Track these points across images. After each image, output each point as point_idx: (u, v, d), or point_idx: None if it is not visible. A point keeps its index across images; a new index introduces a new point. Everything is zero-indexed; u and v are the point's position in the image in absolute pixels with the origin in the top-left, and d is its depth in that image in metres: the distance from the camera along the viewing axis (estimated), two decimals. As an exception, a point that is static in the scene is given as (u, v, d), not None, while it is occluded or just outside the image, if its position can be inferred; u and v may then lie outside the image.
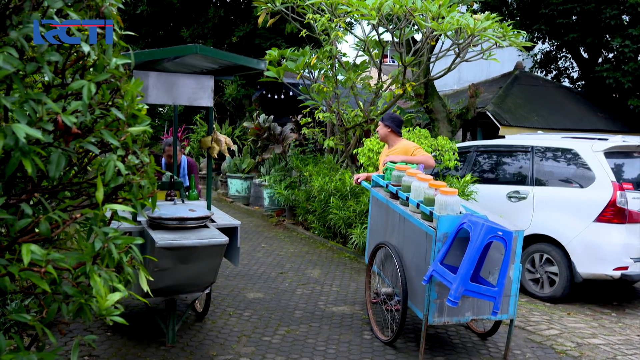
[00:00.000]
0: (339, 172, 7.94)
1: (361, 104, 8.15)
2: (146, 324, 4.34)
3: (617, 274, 5.42)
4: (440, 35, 6.66)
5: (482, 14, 6.77)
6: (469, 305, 3.71)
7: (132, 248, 1.93)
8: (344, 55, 8.38)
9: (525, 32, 10.36)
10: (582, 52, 13.33)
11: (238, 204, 11.01)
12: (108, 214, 1.97)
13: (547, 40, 13.23)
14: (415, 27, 7.96)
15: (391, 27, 7.10)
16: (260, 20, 7.99)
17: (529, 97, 12.29)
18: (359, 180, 5.11)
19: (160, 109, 16.70)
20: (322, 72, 8.09)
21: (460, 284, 3.32)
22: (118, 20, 2.02)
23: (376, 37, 7.65)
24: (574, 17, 12.05)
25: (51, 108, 1.61)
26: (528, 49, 11.02)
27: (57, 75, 1.92)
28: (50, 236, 1.71)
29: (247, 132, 11.72)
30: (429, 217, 3.77)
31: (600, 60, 12.90)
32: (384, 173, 4.67)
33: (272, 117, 11.06)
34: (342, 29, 8.71)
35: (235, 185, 11.27)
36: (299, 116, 10.60)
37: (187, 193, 4.60)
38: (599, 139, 6.10)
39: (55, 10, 1.84)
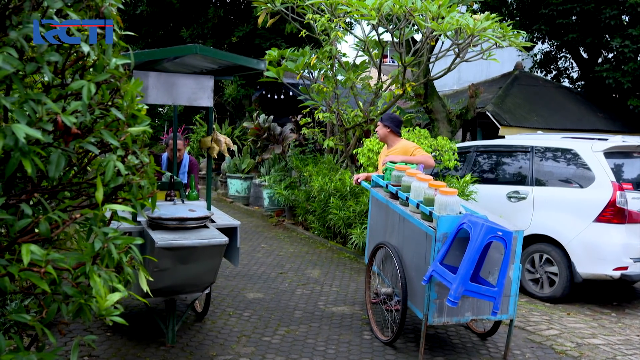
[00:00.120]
0: (339, 172, 7.94)
1: (361, 104, 8.15)
2: (146, 324, 4.34)
3: (617, 274, 5.42)
4: (440, 35, 6.66)
5: (481, 14, 6.78)
6: (469, 305, 3.71)
7: (132, 248, 1.93)
8: (344, 55, 8.39)
9: (525, 32, 10.37)
10: (582, 52, 13.34)
11: (238, 204, 11.01)
12: (108, 214, 1.97)
13: (546, 40, 13.24)
14: (415, 27, 7.97)
15: (391, 27, 7.10)
16: (260, 21, 7.99)
17: (529, 97, 12.29)
18: (358, 181, 5.11)
19: (160, 109, 16.71)
20: (322, 72, 8.09)
21: (460, 284, 3.32)
22: (118, 20, 2.02)
23: (376, 37, 7.65)
24: (573, 17, 12.06)
25: (51, 108, 1.61)
26: (528, 49, 11.02)
27: (57, 75, 1.92)
28: (50, 236, 1.71)
29: (246, 132, 11.72)
30: (428, 217, 3.77)
31: (600, 60, 12.91)
32: (383, 173, 4.67)
33: (271, 117, 11.07)
34: (341, 29, 8.71)
35: (235, 186, 11.27)
36: (299, 116, 10.60)
37: (186, 193, 4.60)
38: (599, 139, 6.10)
39: (55, 10, 1.84)
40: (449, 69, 7.37)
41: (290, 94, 12.17)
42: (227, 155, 4.51)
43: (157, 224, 3.61)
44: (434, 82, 9.77)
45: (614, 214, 5.43)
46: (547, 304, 5.73)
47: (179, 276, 3.58)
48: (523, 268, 5.95)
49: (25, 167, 1.51)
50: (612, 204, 5.43)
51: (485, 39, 6.45)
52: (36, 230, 1.71)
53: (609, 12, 11.07)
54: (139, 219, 3.75)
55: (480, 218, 3.51)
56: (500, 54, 7.90)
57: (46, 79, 1.90)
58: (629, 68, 10.96)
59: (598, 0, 11.23)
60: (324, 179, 7.77)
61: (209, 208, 4.22)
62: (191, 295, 3.95)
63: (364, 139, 7.62)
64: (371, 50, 7.85)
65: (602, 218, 5.48)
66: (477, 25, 6.05)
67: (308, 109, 8.82)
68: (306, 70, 7.94)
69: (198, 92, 3.94)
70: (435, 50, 8.21)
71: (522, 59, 14.63)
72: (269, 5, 7.63)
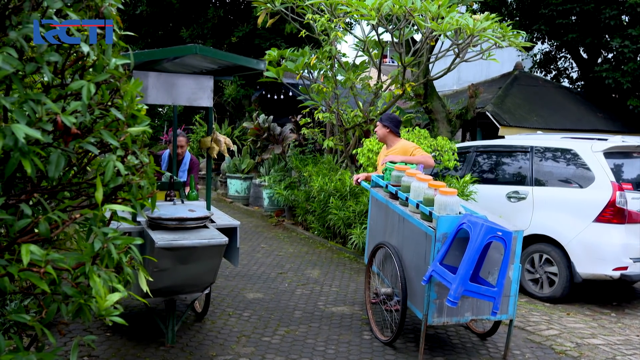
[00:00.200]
0: (339, 173, 7.94)
1: (361, 104, 8.15)
2: (146, 324, 4.34)
3: (617, 274, 5.42)
4: (439, 35, 6.66)
5: (481, 14, 6.78)
6: (469, 305, 3.71)
7: (132, 248, 1.93)
8: (344, 55, 8.39)
9: (524, 33, 10.38)
10: (582, 53, 13.34)
11: (237, 204, 11.01)
12: (107, 214, 1.97)
13: (546, 40, 13.24)
14: (415, 27, 7.97)
15: (391, 27, 7.10)
16: (259, 21, 7.99)
17: (529, 97, 12.30)
18: (358, 181, 5.11)
19: (160, 109, 16.71)
20: (322, 72, 8.09)
21: (460, 284, 3.32)
22: (117, 20, 2.02)
23: (376, 38, 7.65)
24: (573, 18, 12.06)
25: (50, 108, 1.61)
26: (527, 49, 11.03)
27: (57, 75, 1.91)
28: (50, 236, 1.71)
29: (246, 133, 11.72)
30: (428, 217, 3.77)
31: (599, 60, 12.91)
32: (383, 173, 4.67)
33: (271, 117, 11.07)
34: (341, 29, 8.71)
35: (235, 186, 11.27)
36: (299, 116, 10.60)
37: (186, 193, 4.59)
38: (599, 139, 6.10)
39: (54, 10, 1.84)
40: (448, 69, 7.38)
41: (290, 94, 12.17)
42: (226, 155, 4.51)
43: (157, 224, 3.61)
44: (434, 82, 9.77)
45: (613, 214, 5.43)
46: (546, 304, 5.73)
47: (179, 276, 3.58)
48: (523, 268, 5.95)
49: (25, 167, 1.51)
50: (611, 204, 5.43)
51: (485, 39, 6.45)
52: (36, 231, 1.71)
53: (608, 12, 11.07)
54: (138, 219, 3.74)
55: (479, 218, 3.51)
56: (500, 54, 7.90)
57: (46, 79, 1.90)
58: (628, 68, 10.96)
59: (598, 1, 11.24)
60: (324, 179, 7.77)
61: (208, 208, 4.22)
62: (191, 295, 3.95)
63: (363, 139, 7.62)
64: (371, 50, 7.85)
65: (601, 218, 5.48)
66: (476, 26, 6.05)
67: (308, 109, 8.82)
68: (306, 71, 7.94)
69: (198, 92, 3.94)
70: (435, 51, 8.21)
71: (522, 59, 14.63)
72: (268, 5, 7.63)
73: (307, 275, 6.09)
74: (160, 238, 3.39)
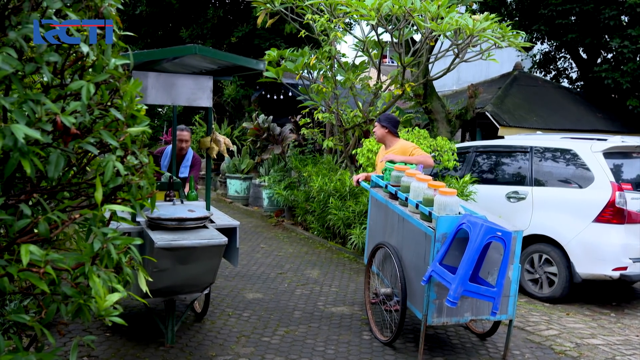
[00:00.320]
0: (338, 173, 7.94)
1: (360, 104, 8.15)
2: (145, 324, 4.34)
3: (616, 274, 5.42)
4: (439, 35, 6.66)
5: (481, 14, 6.78)
6: (468, 305, 3.71)
7: (131, 248, 1.93)
8: (343, 55, 8.39)
9: (524, 33, 10.39)
10: (581, 53, 13.35)
11: (237, 204, 11.00)
12: (107, 215, 1.97)
13: (546, 40, 13.25)
14: (415, 27, 7.97)
15: (390, 27, 7.10)
16: (259, 21, 7.99)
17: (528, 97, 12.31)
18: (358, 182, 5.12)
19: (160, 110, 16.71)
20: (321, 72, 8.09)
21: (459, 284, 3.32)
22: (117, 20, 2.02)
23: (375, 38, 7.65)
24: (573, 18, 12.07)
25: (50, 108, 1.61)
26: (527, 49, 11.03)
27: (56, 75, 1.91)
28: (49, 237, 1.71)
29: (246, 133, 11.72)
30: (428, 217, 3.77)
31: (599, 60, 12.92)
32: (382, 173, 4.67)
33: (271, 117, 11.07)
34: (341, 29, 8.71)
35: (235, 186, 11.27)
36: (298, 117, 10.60)
37: (186, 193, 4.59)
38: (598, 139, 6.11)
39: (54, 10, 1.84)
40: (448, 70, 7.38)
41: (290, 94, 12.18)
42: (226, 155, 4.51)
43: (157, 224, 3.60)
44: (434, 82, 9.77)
45: (613, 214, 5.44)
46: (546, 304, 5.73)
47: (178, 276, 3.58)
48: (522, 268, 5.95)
49: (25, 168, 1.51)
50: (611, 204, 5.43)
51: (485, 40, 6.45)
52: (35, 231, 1.71)
53: (608, 12, 11.08)
54: (138, 219, 3.74)
55: (479, 218, 3.52)
56: (500, 54, 7.91)
57: (45, 79, 1.90)
58: (628, 68, 10.97)
59: (597, 1, 11.24)
60: (324, 179, 7.77)
61: (208, 208, 4.22)
62: (190, 295, 3.95)
63: (363, 139, 7.62)
64: (370, 50, 7.85)
65: (601, 218, 5.48)
66: (476, 26, 6.05)
67: (307, 109, 8.82)
68: (305, 71, 7.94)
69: (197, 92, 3.94)
70: (435, 51, 8.21)
71: (522, 60, 14.64)
72: (268, 5, 7.63)
73: (306, 275, 6.09)
74: (160, 238, 3.39)
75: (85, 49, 1.78)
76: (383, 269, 4.43)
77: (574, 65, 14.22)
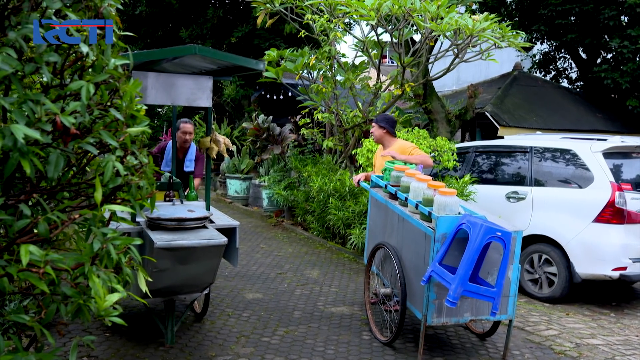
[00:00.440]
0: (338, 173, 7.94)
1: (360, 104, 8.16)
2: (145, 324, 4.34)
3: (616, 274, 5.42)
4: (439, 35, 6.67)
5: (480, 14, 6.78)
6: (468, 305, 3.71)
7: (131, 249, 1.93)
8: (343, 55, 8.39)
9: (524, 33, 10.39)
10: (581, 53, 13.35)
11: (237, 204, 11.00)
12: (107, 215, 1.97)
13: (545, 40, 13.25)
14: (414, 27, 7.97)
15: (390, 27, 7.11)
16: (259, 21, 7.99)
17: (528, 97, 12.31)
18: (358, 182, 5.13)
19: (159, 110, 16.71)
20: (321, 72, 8.09)
21: (459, 284, 3.32)
22: (117, 20, 2.02)
23: (375, 38, 7.65)
24: (572, 18, 12.07)
25: (50, 109, 1.61)
26: (527, 49, 11.03)
27: (56, 75, 1.91)
28: (49, 237, 1.71)
29: (246, 133, 11.72)
30: (427, 217, 3.77)
31: (598, 60, 12.92)
32: (382, 173, 4.67)
33: (271, 117, 11.07)
34: (340, 29, 8.71)
35: (234, 186, 11.27)
36: (298, 117, 10.60)
37: (185, 193, 4.58)
38: (598, 139, 6.11)
39: (53, 10, 1.84)
40: (448, 70, 7.38)
41: (290, 94, 12.18)
42: (226, 155, 4.50)
43: (156, 224, 3.60)
44: (433, 82, 9.77)
45: (612, 214, 5.44)
46: (546, 304, 5.73)
47: (178, 277, 3.58)
48: (522, 268, 5.95)
49: (24, 168, 1.51)
50: (611, 204, 5.43)
51: (484, 40, 6.46)
52: (35, 231, 1.71)
53: (607, 12, 11.08)
54: (138, 219, 3.74)
55: (479, 218, 3.52)
56: (499, 54, 7.91)
57: (45, 79, 1.90)
58: (627, 68, 10.97)
59: (597, 1, 11.24)
60: (323, 179, 7.77)
61: (208, 208, 4.22)
62: (190, 295, 3.95)
63: (363, 140, 7.62)
64: (370, 50, 7.85)
65: (601, 218, 5.49)
66: (476, 26, 6.05)
67: (307, 110, 8.82)
68: (305, 71, 7.94)
69: (197, 92, 3.94)
70: (435, 51, 8.22)
71: (521, 60, 14.65)
72: (268, 5, 7.63)
73: (306, 275, 6.09)
74: (160, 238, 3.39)
75: (85, 49, 1.77)
76: (383, 269, 4.43)
77: (573, 65, 14.23)
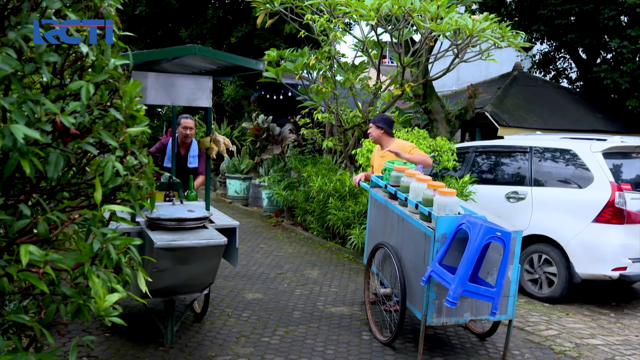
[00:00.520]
0: (338, 173, 7.94)
1: (360, 104, 8.16)
2: (145, 324, 4.34)
3: (616, 274, 5.42)
4: (438, 35, 6.67)
5: (480, 14, 6.78)
6: (468, 305, 3.71)
7: (131, 249, 1.93)
8: (343, 55, 8.38)
9: (523, 33, 10.40)
10: (581, 53, 13.36)
11: (237, 204, 11.00)
12: (106, 215, 1.97)
13: (545, 40, 13.25)
14: (414, 27, 7.97)
15: (390, 27, 7.11)
16: (258, 21, 7.99)
17: (528, 97, 12.31)
18: (359, 183, 5.14)
19: (159, 110, 16.71)
20: (321, 72, 8.09)
21: (459, 284, 3.32)
22: (116, 20, 2.02)
23: (375, 38, 7.65)
24: (572, 18, 12.07)
25: (49, 109, 1.61)
26: (526, 49, 11.04)
27: (56, 75, 1.91)
28: (49, 237, 1.71)
29: (245, 133, 11.72)
30: (427, 217, 3.77)
31: (598, 60, 12.93)
32: (382, 173, 4.68)
33: (270, 117, 11.07)
34: (340, 29, 8.71)
35: (234, 186, 11.27)
36: (298, 117, 10.60)
37: (185, 193, 4.58)
38: (598, 139, 6.11)
39: (53, 10, 1.84)
40: (447, 70, 7.38)
41: (289, 94, 12.18)
42: (226, 155, 4.50)
43: (156, 224, 3.60)
44: (433, 82, 9.78)
45: (612, 214, 5.44)
46: (545, 304, 5.73)
47: (178, 277, 3.58)
48: (522, 268, 5.95)
49: (24, 168, 1.51)
50: (610, 204, 5.43)
51: (484, 40, 6.46)
52: (35, 231, 1.71)
53: (607, 12, 11.08)
54: (137, 219, 3.74)
55: (479, 218, 3.52)
56: (499, 54, 7.91)
57: (45, 79, 1.90)
58: (627, 68, 10.97)
59: (597, 1, 11.25)
60: (323, 179, 7.77)
61: (207, 208, 4.22)
62: (190, 295, 3.95)
63: (362, 140, 7.62)
64: (370, 50, 7.85)
65: (600, 218, 5.49)
66: (475, 26, 6.05)
67: (307, 110, 8.82)
68: (305, 71, 7.94)
69: (197, 92, 3.94)
70: (434, 51, 8.22)
71: (521, 60, 14.65)
72: (267, 5, 7.63)
73: (306, 275, 6.09)
74: (159, 238, 3.39)
75: (84, 49, 1.77)
76: (383, 269, 4.43)
77: (573, 65, 14.23)
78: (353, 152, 7.77)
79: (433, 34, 6.65)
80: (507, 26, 6.53)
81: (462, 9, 8.86)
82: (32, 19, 1.70)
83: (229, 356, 3.84)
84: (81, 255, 1.75)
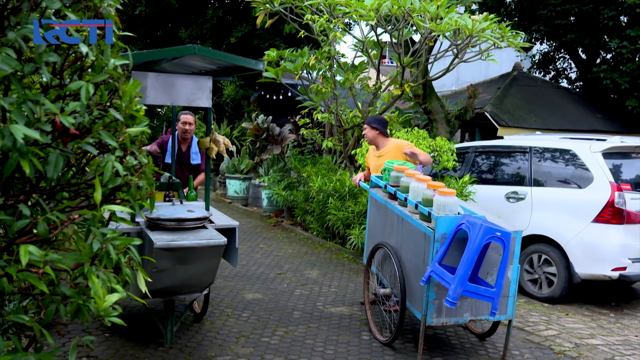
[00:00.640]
0: (338, 173, 7.94)
1: (359, 104, 8.16)
2: (144, 324, 4.34)
3: (615, 274, 5.43)
4: (438, 36, 6.67)
5: (480, 14, 6.78)
6: (468, 305, 3.71)
7: (131, 249, 1.93)
8: (343, 56, 8.38)
9: (523, 33, 10.41)
10: (580, 53, 13.36)
11: (236, 204, 11.00)
12: (106, 215, 1.97)
13: (545, 41, 13.26)
14: (414, 27, 7.97)
15: (389, 27, 7.11)
16: (258, 21, 7.98)
17: (527, 97, 12.32)
18: (358, 182, 5.15)
19: (159, 110, 16.71)
20: (321, 72, 8.09)
21: (459, 284, 3.32)
22: (116, 20, 2.02)
23: (374, 38, 7.65)
24: (572, 18, 12.08)
25: (49, 109, 1.61)
26: (526, 49, 11.04)
27: (56, 76, 1.91)
28: (48, 237, 1.70)
29: (245, 133, 11.72)
30: (427, 217, 3.77)
31: (598, 61, 12.93)
32: (381, 173, 4.68)
33: (270, 117, 11.07)
34: (340, 29, 8.71)
35: (234, 186, 11.27)
36: (298, 117, 10.60)
37: (185, 194, 4.58)
38: (597, 139, 6.11)
39: (53, 11, 1.84)
40: (447, 70, 7.38)
41: (289, 94, 12.18)
42: (225, 155, 4.50)
43: (156, 224, 3.60)
44: (433, 82, 9.78)
45: (612, 214, 5.44)
46: (545, 304, 5.73)
47: (178, 277, 3.58)
48: (522, 268, 5.95)
49: (24, 168, 1.51)
50: (610, 204, 5.43)
51: (484, 40, 6.46)
52: (34, 231, 1.71)
53: (607, 12, 11.09)
54: (137, 219, 3.74)
55: (478, 218, 3.52)
56: (499, 54, 7.91)
57: (44, 79, 1.90)
58: (627, 69, 10.98)
59: (596, 1, 11.25)
60: (323, 179, 7.77)
61: (207, 209, 4.22)
62: (190, 295, 3.95)
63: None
64: (370, 50, 7.85)
65: (600, 218, 5.49)
66: (475, 26, 6.05)
67: (307, 110, 8.82)
68: (305, 71, 7.94)
69: (197, 92, 3.94)
70: (434, 51, 8.21)
71: (521, 60, 14.66)
72: (267, 5, 7.62)
73: (306, 275, 6.09)
74: (159, 238, 3.39)
75: (84, 49, 1.77)
76: (382, 269, 4.43)
77: (573, 65, 14.24)
78: (353, 152, 7.77)
79: (433, 34, 6.65)
80: (506, 26, 6.53)
81: (461, 9, 8.86)
82: (31, 19, 1.70)
83: (229, 356, 3.84)
84: (81, 255, 1.75)
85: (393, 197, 4.33)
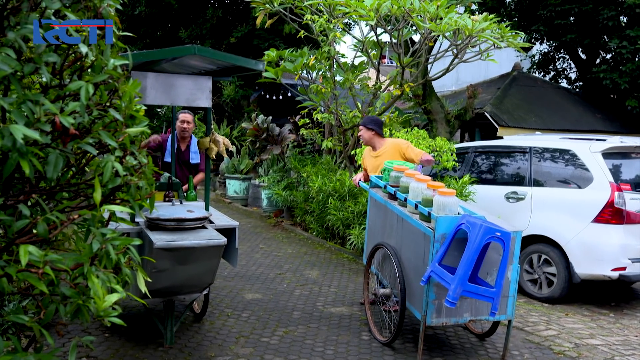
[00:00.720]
0: (338, 173, 7.94)
1: (359, 104, 8.16)
2: (144, 325, 4.33)
3: (615, 274, 5.43)
4: (438, 36, 6.67)
5: (480, 14, 6.78)
6: (467, 306, 3.71)
7: (130, 249, 1.93)
8: (342, 56, 8.38)
9: (523, 33, 10.41)
10: (580, 53, 13.37)
11: (236, 204, 11.00)
12: (106, 215, 1.97)
13: (545, 41, 13.26)
14: (414, 28, 7.97)
15: (389, 28, 7.11)
16: (258, 21, 7.98)
17: (527, 98, 12.32)
18: (358, 182, 5.15)
19: (159, 110, 16.71)
20: (321, 73, 8.09)
21: (459, 284, 3.32)
22: (116, 21, 2.02)
23: (374, 38, 7.65)
24: (571, 18, 12.08)
25: (49, 109, 1.61)
26: (526, 50, 11.04)
27: (55, 76, 1.91)
28: (48, 237, 1.70)
29: (245, 133, 11.72)
30: (427, 217, 3.77)
31: (598, 61, 12.94)
32: (380, 174, 4.68)
33: (270, 117, 11.07)
34: (340, 29, 8.70)
35: (234, 186, 11.27)
36: (297, 117, 10.60)
37: (185, 194, 4.58)
38: (597, 139, 6.11)
39: (53, 11, 1.84)
40: (447, 70, 7.38)
41: (289, 94, 12.18)
42: (225, 156, 4.50)
43: (156, 224, 3.60)
44: (433, 82, 9.78)
45: (612, 214, 5.44)
46: (545, 304, 5.73)
47: (178, 277, 3.57)
48: (521, 268, 5.95)
49: (23, 168, 1.51)
50: (610, 204, 5.44)
51: (484, 40, 6.46)
52: (34, 231, 1.71)
53: (607, 13, 11.09)
54: (137, 219, 3.74)
55: (478, 219, 3.52)
56: (499, 54, 7.91)
57: (44, 79, 1.90)
58: (626, 69, 10.98)
59: (596, 1, 11.26)
60: (323, 179, 7.77)
61: (207, 209, 4.22)
62: (189, 296, 3.95)
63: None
64: (369, 51, 7.86)
65: (600, 219, 5.49)
66: (475, 26, 6.06)
67: (306, 110, 8.82)
68: (305, 71, 7.94)
69: (196, 92, 3.94)
70: (434, 51, 8.22)
71: (521, 60, 14.66)
72: (267, 5, 7.62)
73: (305, 275, 6.09)
74: (159, 239, 3.39)
75: (84, 49, 1.77)
76: (382, 270, 4.43)
77: (572, 65, 14.24)
78: (352, 152, 7.78)
79: (432, 34, 6.65)
80: (506, 26, 6.53)
81: (461, 9, 8.86)
82: (31, 19, 1.70)
83: (229, 356, 3.84)
84: (80, 255, 1.75)
85: (393, 197, 4.33)
